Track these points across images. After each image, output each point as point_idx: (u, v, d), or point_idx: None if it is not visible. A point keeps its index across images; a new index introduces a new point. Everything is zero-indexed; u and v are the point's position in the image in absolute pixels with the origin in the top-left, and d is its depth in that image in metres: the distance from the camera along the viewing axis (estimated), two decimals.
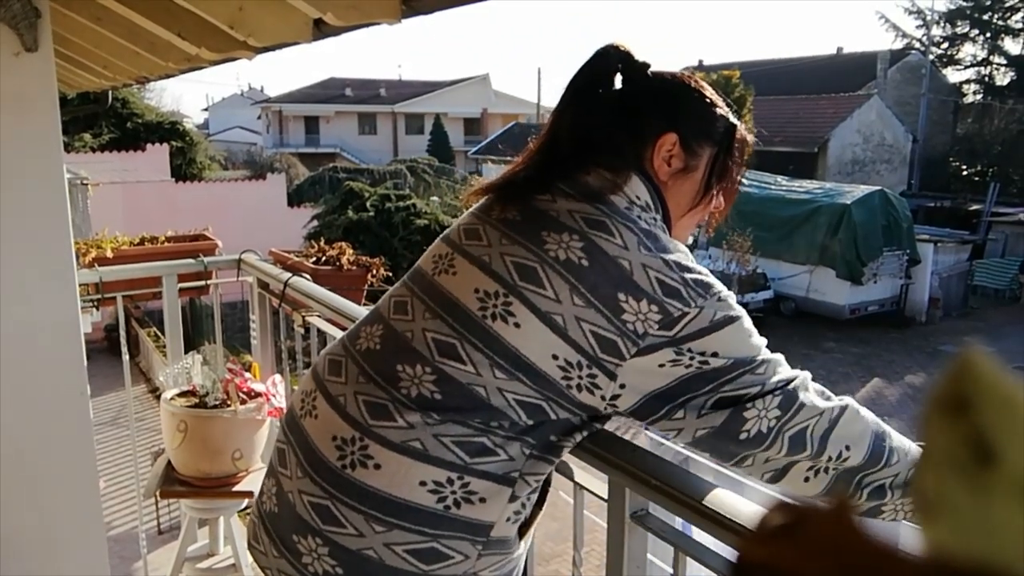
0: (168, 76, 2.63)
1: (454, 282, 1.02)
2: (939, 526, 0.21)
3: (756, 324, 0.99)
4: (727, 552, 1.04)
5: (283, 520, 1.04)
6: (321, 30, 1.48)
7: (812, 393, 0.98)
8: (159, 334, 8.46)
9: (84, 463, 1.90)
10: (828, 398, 1.00)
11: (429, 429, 0.95)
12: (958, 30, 28.35)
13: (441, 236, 1.12)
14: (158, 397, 2.77)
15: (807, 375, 1.00)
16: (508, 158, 1.14)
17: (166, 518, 4.08)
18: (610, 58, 1.07)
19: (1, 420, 1.75)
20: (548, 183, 1.03)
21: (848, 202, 15.88)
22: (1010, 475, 0.20)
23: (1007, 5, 26.93)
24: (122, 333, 2.78)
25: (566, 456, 1.20)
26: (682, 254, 0.98)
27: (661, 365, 0.93)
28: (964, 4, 27.81)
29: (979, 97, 28.05)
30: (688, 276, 0.95)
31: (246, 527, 1.14)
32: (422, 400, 0.97)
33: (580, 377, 0.95)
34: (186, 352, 2.58)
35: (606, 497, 1.19)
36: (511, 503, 0.99)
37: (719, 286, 0.96)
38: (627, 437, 1.13)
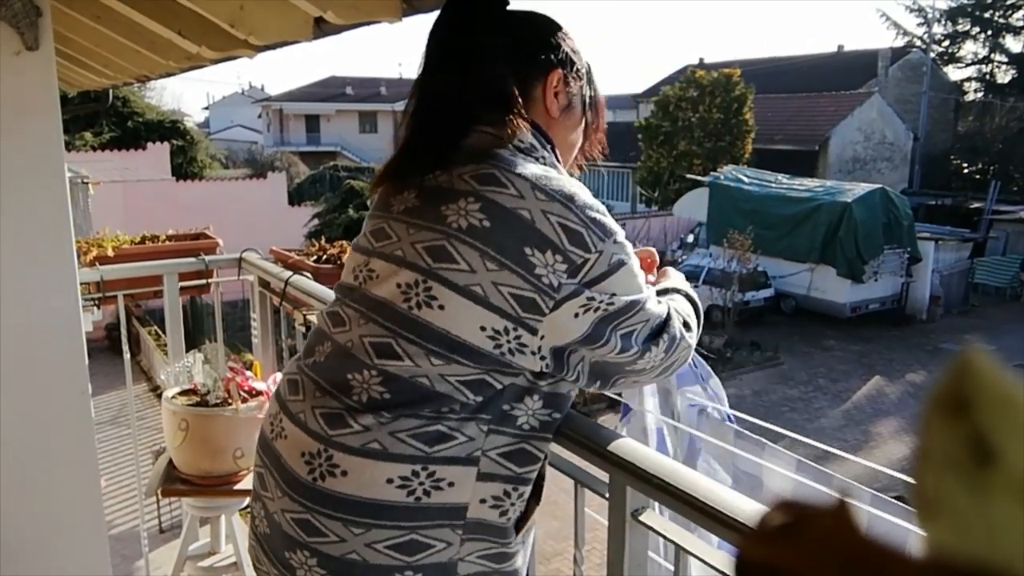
0: (169, 75, 2.62)
1: (377, 285, 1.03)
2: (939, 526, 0.21)
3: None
4: (728, 550, 1.04)
5: (275, 539, 1.06)
6: (322, 28, 1.48)
7: (676, 320, 1.07)
8: (160, 333, 8.46)
9: (85, 462, 1.90)
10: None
11: (384, 428, 0.97)
12: (959, 28, 28.31)
13: (352, 247, 1.13)
14: (159, 396, 2.77)
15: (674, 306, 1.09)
16: None
17: (167, 517, 4.08)
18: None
19: (1, 419, 1.75)
20: (435, 158, 1.02)
21: (849, 200, 15.83)
22: (1010, 475, 0.20)
23: (1008, 3, 26.88)
24: (123, 332, 2.78)
25: (566, 455, 1.21)
26: (577, 188, 0.98)
27: (576, 315, 0.96)
28: (965, 2, 27.76)
29: (980, 95, 28.03)
30: (588, 215, 0.96)
31: (249, 551, 1.16)
32: (372, 402, 0.98)
33: (509, 341, 0.96)
34: (187, 351, 2.58)
35: (607, 495, 1.19)
36: (481, 482, 0.99)
37: (616, 227, 0.98)
38: (623, 433, 1.13)
